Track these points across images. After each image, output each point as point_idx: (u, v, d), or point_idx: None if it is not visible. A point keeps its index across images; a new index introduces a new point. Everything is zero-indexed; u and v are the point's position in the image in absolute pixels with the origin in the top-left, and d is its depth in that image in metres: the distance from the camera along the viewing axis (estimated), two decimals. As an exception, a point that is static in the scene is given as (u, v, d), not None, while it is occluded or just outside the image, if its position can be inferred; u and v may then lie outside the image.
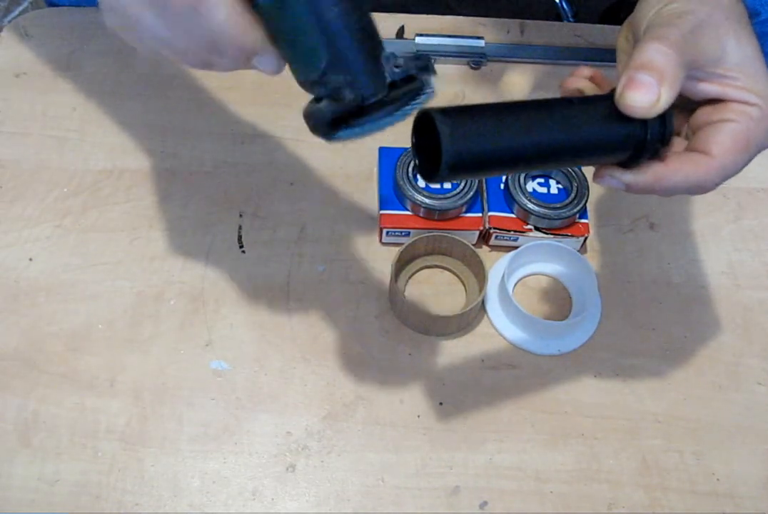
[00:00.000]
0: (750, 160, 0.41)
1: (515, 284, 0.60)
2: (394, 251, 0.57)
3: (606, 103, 0.39)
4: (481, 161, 0.37)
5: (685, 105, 0.43)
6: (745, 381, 0.57)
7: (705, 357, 0.58)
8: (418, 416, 0.54)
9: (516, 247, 0.59)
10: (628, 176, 0.41)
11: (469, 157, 0.36)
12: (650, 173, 0.40)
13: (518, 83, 0.71)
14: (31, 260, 0.59)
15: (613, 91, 0.39)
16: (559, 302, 0.60)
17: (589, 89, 0.44)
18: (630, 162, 0.40)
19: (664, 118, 0.39)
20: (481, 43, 0.72)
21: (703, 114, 0.42)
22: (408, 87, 0.37)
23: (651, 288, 0.60)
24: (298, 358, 0.56)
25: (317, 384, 0.55)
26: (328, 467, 0.52)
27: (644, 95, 0.38)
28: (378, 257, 0.60)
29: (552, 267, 0.60)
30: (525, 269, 0.60)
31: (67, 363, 0.54)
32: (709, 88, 0.41)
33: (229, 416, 0.53)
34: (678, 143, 0.43)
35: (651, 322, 0.59)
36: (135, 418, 0.53)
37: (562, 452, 0.53)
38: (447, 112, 0.36)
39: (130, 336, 0.56)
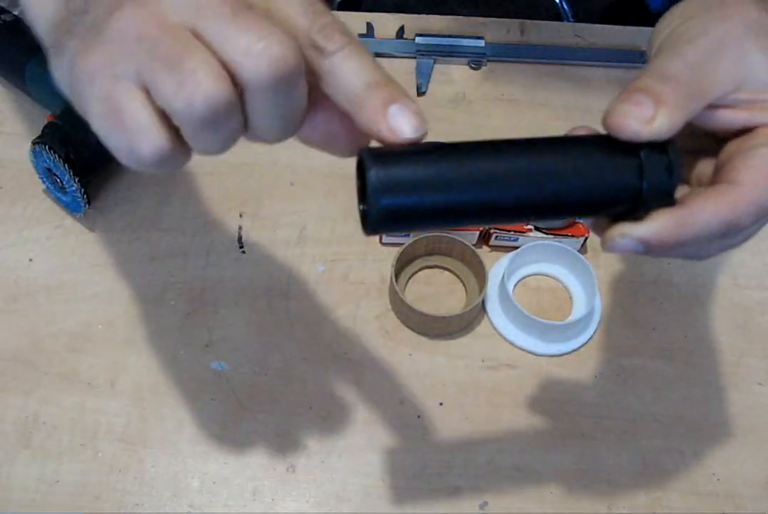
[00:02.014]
0: None
1: (515, 285, 0.60)
2: (394, 251, 0.57)
3: (593, 141, 0.33)
4: (419, 214, 0.31)
5: (710, 147, 0.37)
6: (745, 381, 0.57)
7: (705, 357, 0.58)
8: (418, 417, 0.54)
9: (516, 248, 0.59)
10: (643, 229, 0.32)
11: (403, 206, 0.30)
12: (669, 219, 0.32)
13: (518, 83, 0.71)
14: (31, 260, 0.59)
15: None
16: (559, 302, 0.60)
17: None
18: (634, 213, 0.33)
19: (666, 150, 0.32)
20: (481, 43, 0.72)
21: (730, 148, 0.35)
22: None
23: (651, 288, 0.60)
24: (298, 358, 0.56)
25: (317, 384, 0.55)
26: (328, 468, 0.52)
27: (638, 110, 0.32)
28: (378, 257, 0.60)
29: (552, 267, 0.60)
30: (525, 269, 0.60)
31: (67, 364, 0.54)
32: (735, 116, 0.34)
33: (229, 417, 0.53)
34: None
35: (651, 322, 0.59)
36: (135, 418, 0.53)
37: (562, 452, 0.53)
38: (381, 153, 0.30)
39: (130, 337, 0.56)
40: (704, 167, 0.37)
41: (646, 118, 0.31)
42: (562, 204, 0.32)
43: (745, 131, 0.35)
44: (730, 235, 0.34)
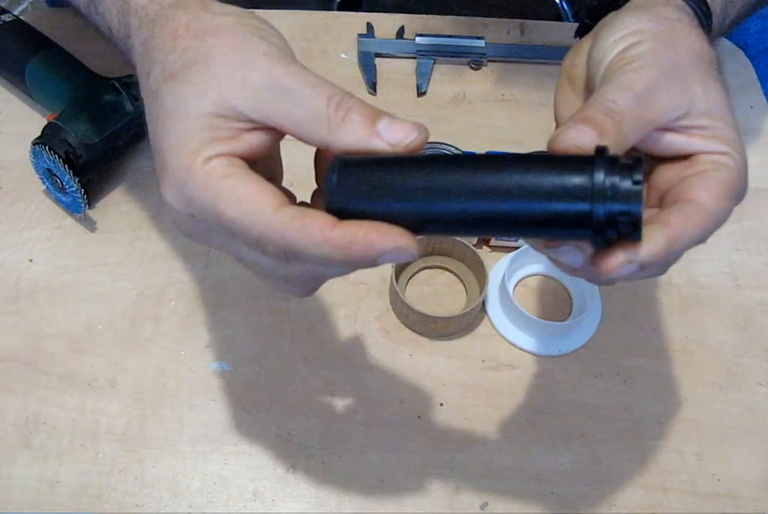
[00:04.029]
0: (731, 212, 0.35)
1: (516, 285, 0.60)
2: (395, 252, 0.57)
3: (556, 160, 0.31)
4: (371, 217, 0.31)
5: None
6: (745, 381, 0.57)
7: (705, 357, 0.58)
8: (419, 417, 0.54)
9: (516, 248, 0.59)
10: (645, 252, 0.32)
11: (354, 211, 0.31)
12: (661, 239, 0.32)
13: (518, 83, 0.71)
14: (31, 261, 0.59)
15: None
16: (559, 302, 0.60)
17: None
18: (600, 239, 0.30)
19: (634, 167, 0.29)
20: (481, 43, 0.72)
21: (670, 170, 0.37)
22: None
23: (651, 288, 0.60)
24: (298, 358, 0.56)
25: (317, 385, 0.55)
26: (328, 468, 0.52)
27: (581, 138, 0.32)
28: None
29: (552, 268, 0.60)
30: (525, 269, 0.60)
31: (67, 364, 0.54)
32: (674, 139, 0.36)
33: (229, 417, 0.53)
34: None
35: (651, 322, 0.59)
36: (135, 419, 0.53)
37: (563, 452, 0.53)
38: (350, 160, 0.32)
39: (131, 337, 0.56)
40: None
41: (588, 147, 0.32)
42: (513, 220, 0.30)
43: (680, 157, 0.36)
44: (690, 247, 0.35)
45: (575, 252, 0.34)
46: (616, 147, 0.33)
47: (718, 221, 0.34)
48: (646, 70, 0.35)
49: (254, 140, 0.33)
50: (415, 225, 0.31)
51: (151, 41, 0.34)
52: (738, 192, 0.35)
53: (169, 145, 0.33)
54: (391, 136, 0.32)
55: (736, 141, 0.36)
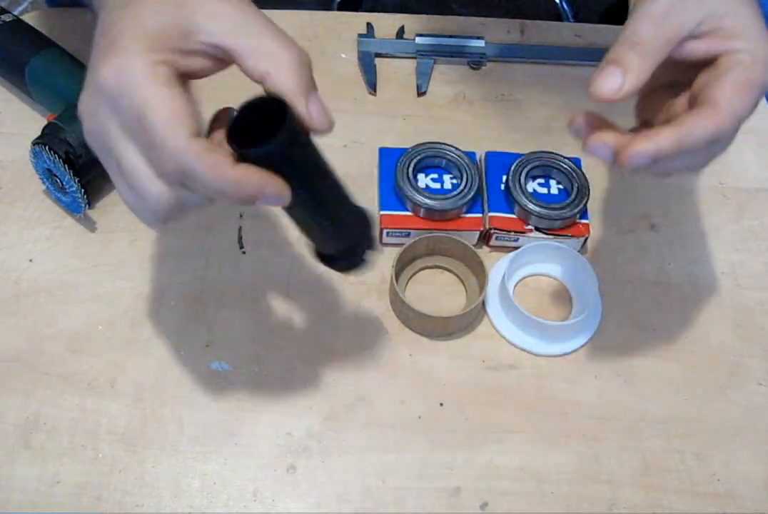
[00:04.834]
0: (757, 101, 0.41)
1: (516, 285, 0.60)
2: (395, 252, 0.57)
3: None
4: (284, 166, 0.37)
5: (683, 78, 0.44)
6: (745, 381, 0.57)
7: (705, 357, 0.58)
8: (419, 417, 0.54)
9: (516, 248, 0.59)
10: (653, 144, 0.39)
11: (283, 155, 0.37)
12: (672, 136, 0.39)
13: (518, 83, 0.71)
14: (31, 261, 0.59)
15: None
16: (559, 302, 0.60)
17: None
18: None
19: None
20: (481, 43, 0.72)
21: (702, 78, 0.42)
22: None
23: (651, 288, 0.60)
24: (298, 358, 0.56)
25: (317, 385, 0.55)
26: (328, 468, 0.52)
27: (609, 82, 0.39)
28: (378, 257, 0.60)
29: (552, 268, 0.60)
30: (525, 269, 0.60)
31: (67, 364, 0.54)
32: (697, 46, 0.41)
33: (229, 417, 0.53)
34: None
35: (651, 322, 0.59)
36: (135, 419, 0.53)
37: (563, 452, 0.53)
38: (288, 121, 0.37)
39: (131, 337, 0.56)
40: (677, 104, 0.44)
41: (615, 90, 0.39)
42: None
43: (709, 61, 0.41)
44: (716, 144, 0.41)
45: (604, 148, 0.40)
46: (639, 76, 0.39)
47: (736, 114, 0.39)
48: None
49: (196, 63, 0.37)
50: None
51: None
52: (758, 83, 0.40)
53: (127, 26, 0.35)
54: (313, 108, 0.37)
55: (755, 33, 0.41)
